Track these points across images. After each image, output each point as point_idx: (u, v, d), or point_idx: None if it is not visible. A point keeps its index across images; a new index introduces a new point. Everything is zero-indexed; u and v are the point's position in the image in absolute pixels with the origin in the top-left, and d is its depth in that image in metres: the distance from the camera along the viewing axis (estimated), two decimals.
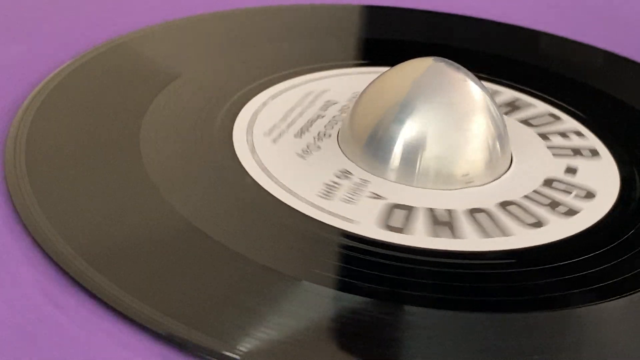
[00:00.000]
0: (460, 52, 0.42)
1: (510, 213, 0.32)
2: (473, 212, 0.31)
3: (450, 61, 0.34)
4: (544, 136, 0.37)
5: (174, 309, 0.26)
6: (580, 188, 0.33)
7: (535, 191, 0.33)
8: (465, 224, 0.31)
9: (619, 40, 0.47)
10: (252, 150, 0.33)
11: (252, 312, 0.26)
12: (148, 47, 0.40)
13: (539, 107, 0.39)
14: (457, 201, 0.32)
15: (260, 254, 0.28)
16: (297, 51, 0.41)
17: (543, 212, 0.32)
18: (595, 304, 0.28)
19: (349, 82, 0.39)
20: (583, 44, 0.46)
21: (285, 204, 0.31)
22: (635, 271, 0.30)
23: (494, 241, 0.30)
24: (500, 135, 0.34)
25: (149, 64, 0.39)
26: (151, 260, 0.28)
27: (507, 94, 0.39)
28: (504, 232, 0.31)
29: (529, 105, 0.39)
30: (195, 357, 0.25)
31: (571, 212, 0.32)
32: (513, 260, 0.30)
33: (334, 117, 0.36)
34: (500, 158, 0.34)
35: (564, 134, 0.37)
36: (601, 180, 0.34)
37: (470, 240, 0.30)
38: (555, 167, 0.35)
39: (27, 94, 0.35)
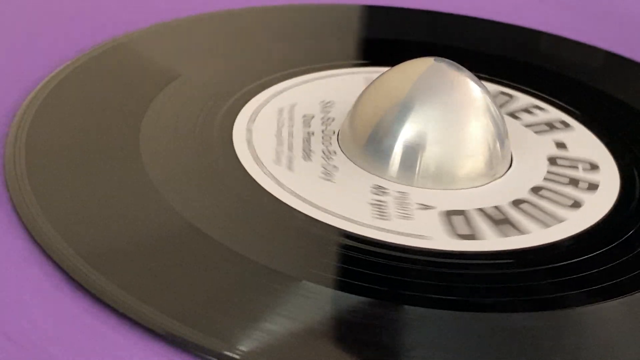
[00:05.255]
0: (460, 52, 0.42)
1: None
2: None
3: (450, 61, 0.34)
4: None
5: (174, 309, 0.26)
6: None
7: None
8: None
9: (619, 40, 0.47)
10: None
11: (252, 312, 0.26)
12: (148, 47, 0.40)
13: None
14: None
15: (260, 254, 0.28)
16: (297, 51, 0.41)
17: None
18: (595, 304, 0.28)
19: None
20: (583, 44, 0.46)
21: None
22: (635, 272, 0.30)
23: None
24: (500, 135, 0.34)
25: (149, 64, 0.39)
26: (151, 260, 0.28)
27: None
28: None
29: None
30: (195, 357, 0.25)
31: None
32: (512, 261, 0.30)
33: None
34: (500, 158, 0.34)
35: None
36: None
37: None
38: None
39: (27, 94, 0.35)
